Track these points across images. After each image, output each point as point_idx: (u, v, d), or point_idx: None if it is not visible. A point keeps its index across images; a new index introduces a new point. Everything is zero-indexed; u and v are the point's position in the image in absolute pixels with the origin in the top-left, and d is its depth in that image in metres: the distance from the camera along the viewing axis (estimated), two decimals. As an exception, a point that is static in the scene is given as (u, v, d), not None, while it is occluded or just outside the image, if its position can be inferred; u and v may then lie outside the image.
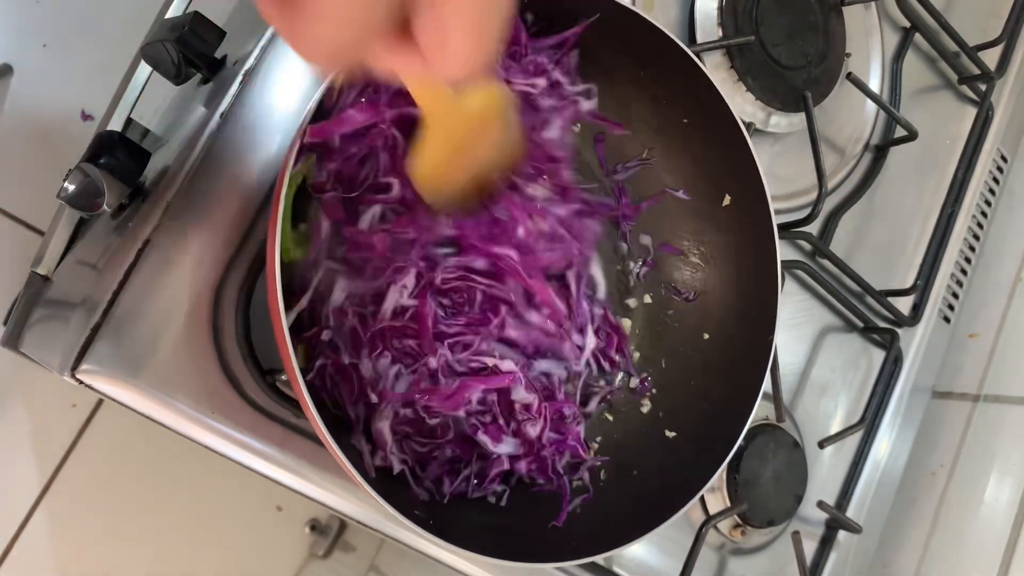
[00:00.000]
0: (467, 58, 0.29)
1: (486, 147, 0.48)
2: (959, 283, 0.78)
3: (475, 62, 0.29)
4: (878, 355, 0.73)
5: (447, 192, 0.49)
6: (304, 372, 0.45)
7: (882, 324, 0.73)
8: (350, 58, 0.27)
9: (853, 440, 0.72)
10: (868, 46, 0.73)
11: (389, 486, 0.47)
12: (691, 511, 0.63)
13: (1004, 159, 0.81)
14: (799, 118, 0.66)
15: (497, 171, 0.51)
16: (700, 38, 0.62)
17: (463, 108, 0.45)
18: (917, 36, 0.75)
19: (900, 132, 0.72)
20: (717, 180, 0.56)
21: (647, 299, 0.59)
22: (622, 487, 0.54)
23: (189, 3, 0.58)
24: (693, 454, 0.53)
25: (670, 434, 0.55)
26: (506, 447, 0.51)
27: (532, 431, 0.52)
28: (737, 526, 0.64)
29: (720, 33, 0.62)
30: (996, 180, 0.80)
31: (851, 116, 0.72)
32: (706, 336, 0.57)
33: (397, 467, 0.48)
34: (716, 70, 0.63)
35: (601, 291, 0.57)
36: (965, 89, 0.79)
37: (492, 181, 0.51)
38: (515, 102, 0.49)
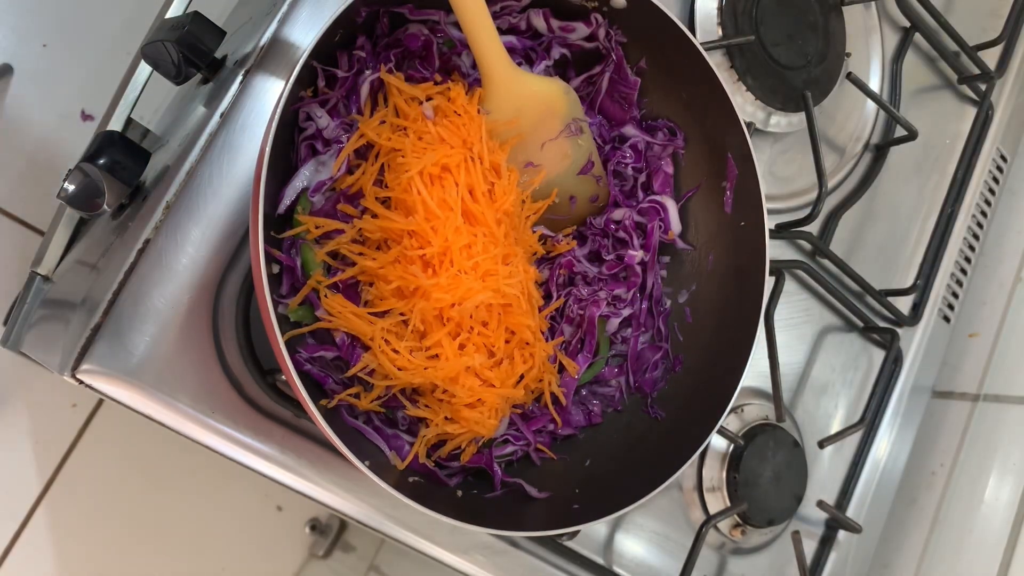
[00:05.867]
0: None
1: (545, 139, 0.51)
2: (959, 283, 0.78)
3: None
4: (878, 355, 0.73)
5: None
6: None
7: (882, 324, 0.73)
8: None
9: (853, 440, 0.72)
10: (868, 46, 0.73)
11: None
12: (691, 511, 0.63)
13: (1004, 159, 0.81)
14: (799, 118, 0.65)
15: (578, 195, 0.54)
16: (700, 37, 0.62)
17: (523, 85, 0.48)
18: (917, 36, 0.75)
19: (900, 132, 0.72)
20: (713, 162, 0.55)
21: None
22: (616, 453, 0.53)
23: (189, 3, 0.58)
24: (683, 424, 0.52)
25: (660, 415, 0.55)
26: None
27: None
28: (737, 526, 0.64)
29: (720, 33, 0.62)
30: (996, 180, 0.80)
31: (851, 116, 0.72)
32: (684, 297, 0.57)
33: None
34: (716, 69, 0.62)
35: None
36: (965, 89, 0.79)
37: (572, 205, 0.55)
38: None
